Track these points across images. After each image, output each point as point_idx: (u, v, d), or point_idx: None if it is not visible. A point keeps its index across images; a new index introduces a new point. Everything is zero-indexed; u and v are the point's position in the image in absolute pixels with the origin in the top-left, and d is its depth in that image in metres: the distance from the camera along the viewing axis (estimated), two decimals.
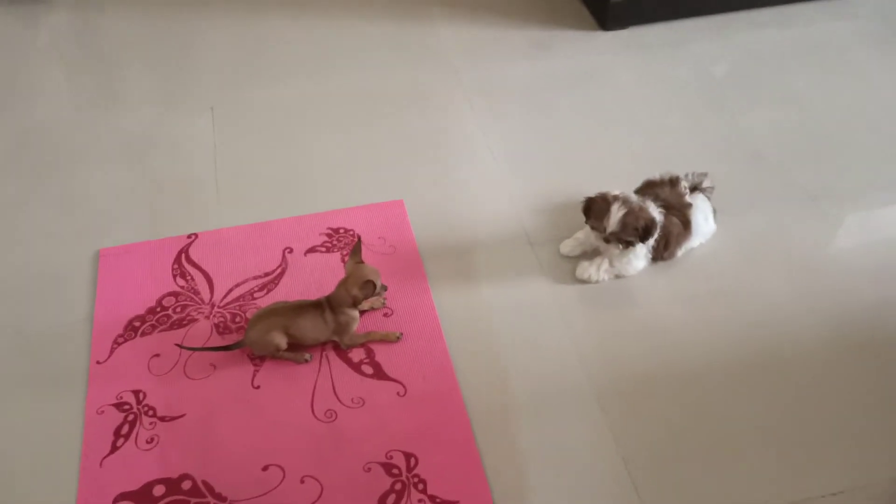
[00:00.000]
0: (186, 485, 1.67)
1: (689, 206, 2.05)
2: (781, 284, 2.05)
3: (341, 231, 2.20)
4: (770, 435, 1.74)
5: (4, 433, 1.77)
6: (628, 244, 1.97)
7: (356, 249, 1.89)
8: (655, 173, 2.14)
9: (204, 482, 1.67)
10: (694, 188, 2.11)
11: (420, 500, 1.63)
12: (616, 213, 1.92)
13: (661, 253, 2.06)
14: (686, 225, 2.05)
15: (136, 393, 1.83)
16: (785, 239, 2.16)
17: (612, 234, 1.95)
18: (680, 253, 2.09)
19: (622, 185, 2.08)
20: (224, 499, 1.65)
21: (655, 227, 1.95)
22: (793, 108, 2.60)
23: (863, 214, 2.24)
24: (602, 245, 2.01)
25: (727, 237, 2.15)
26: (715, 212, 2.13)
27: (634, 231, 1.93)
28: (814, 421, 1.77)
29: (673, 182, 2.09)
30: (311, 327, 1.86)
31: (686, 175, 2.12)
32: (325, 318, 1.86)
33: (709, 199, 2.12)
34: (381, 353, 1.90)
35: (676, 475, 1.68)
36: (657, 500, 1.64)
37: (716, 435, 1.74)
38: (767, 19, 2.97)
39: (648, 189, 2.10)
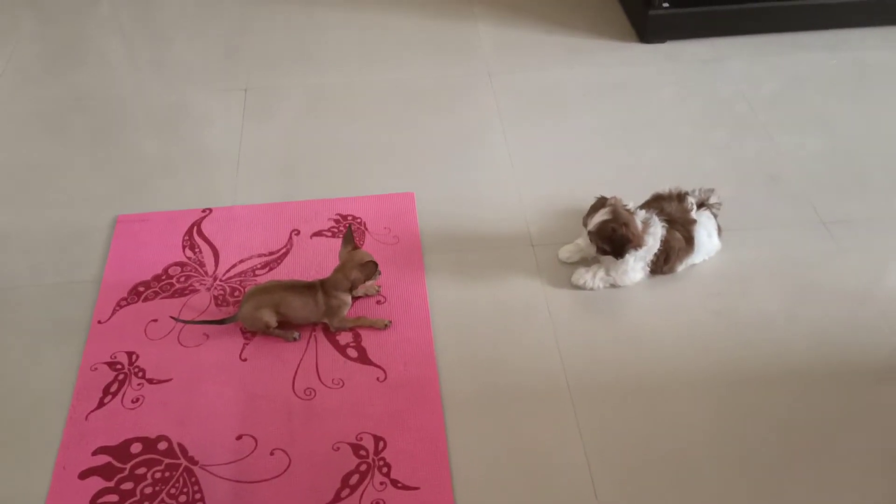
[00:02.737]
0: (162, 445, 1.73)
1: (694, 221, 2.03)
2: (778, 307, 2.01)
3: (349, 218, 2.24)
4: (742, 456, 1.71)
5: (4, 375, 1.87)
6: (604, 251, 1.96)
7: (348, 237, 1.93)
8: (667, 187, 2.12)
9: (179, 444, 1.73)
10: (701, 204, 2.08)
11: (382, 483, 1.66)
12: (599, 216, 1.92)
13: (661, 266, 2.04)
14: (689, 240, 2.02)
15: (129, 354, 1.90)
16: (789, 262, 2.12)
17: (589, 233, 1.96)
18: (680, 268, 2.07)
19: (634, 196, 2.08)
20: (196, 462, 1.70)
21: (629, 246, 1.93)
22: (823, 134, 2.53)
23: (874, 244, 2.17)
24: (593, 251, 2.01)
25: (731, 256, 2.11)
26: (720, 229, 2.09)
27: (607, 239, 1.92)
28: (790, 447, 1.73)
29: (680, 197, 2.07)
30: (301, 307, 1.90)
31: (693, 191, 2.09)
32: (316, 299, 1.90)
33: (715, 216, 2.08)
34: (368, 339, 1.93)
35: (639, 487, 1.66)
36: None
37: (686, 452, 1.72)
38: (811, 42, 2.89)
39: (655, 202, 2.09)
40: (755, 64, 2.82)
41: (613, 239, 1.92)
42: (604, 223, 1.92)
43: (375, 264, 1.89)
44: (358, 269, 1.88)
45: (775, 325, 1.97)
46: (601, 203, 1.97)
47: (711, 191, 2.10)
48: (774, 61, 2.82)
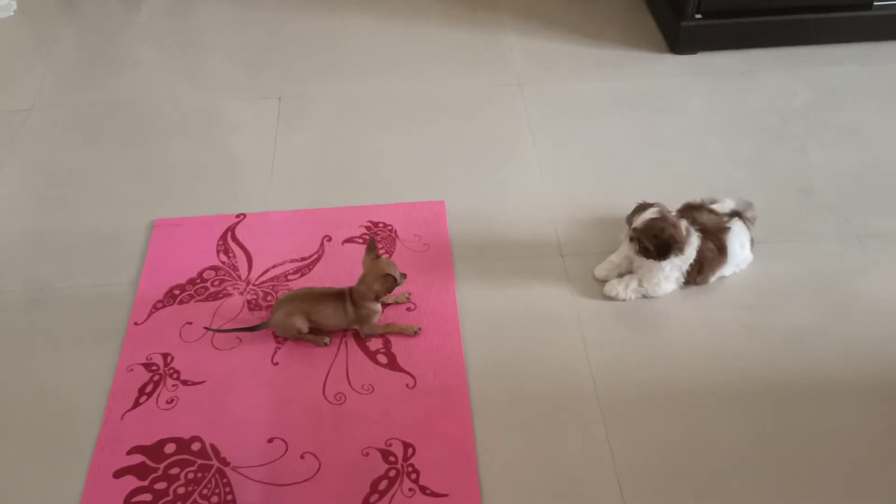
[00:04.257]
0: (196, 446, 1.76)
1: (727, 230, 2.02)
2: (810, 321, 1.99)
3: (380, 225, 2.27)
4: (769, 472, 1.70)
5: (43, 375, 1.92)
6: (645, 251, 1.94)
7: (371, 247, 1.95)
8: (697, 197, 2.12)
9: (212, 445, 1.76)
10: (734, 214, 2.07)
11: (411, 490, 1.67)
12: (647, 214, 1.93)
13: (695, 277, 2.04)
14: (721, 250, 2.02)
15: (164, 356, 1.94)
16: (821, 276, 2.10)
17: (634, 230, 1.95)
18: (713, 279, 2.06)
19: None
20: (227, 463, 1.73)
21: (675, 248, 1.92)
22: (857, 147, 2.51)
23: None
24: (631, 252, 2.00)
25: (762, 269, 2.10)
26: (753, 241, 2.09)
27: (654, 238, 1.91)
28: (817, 463, 1.72)
29: (712, 206, 2.07)
30: (331, 315, 1.93)
31: (732, 200, 2.09)
32: (346, 308, 1.93)
33: (748, 227, 2.08)
34: (398, 345, 1.95)
35: (668, 496, 1.66)
36: None
37: (714, 465, 1.71)
38: (844, 55, 2.87)
39: (687, 212, 2.08)
40: (787, 76, 2.80)
41: (661, 238, 1.91)
42: (652, 220, 1.92)
43: (394, 278, 1.90)
44: (379, 282, 1.90)
45: (807, 339, 1.96)
46: (649, 204, 1.97)
47: (750, 204, 2.10)
48: (806, 73, 2.81)
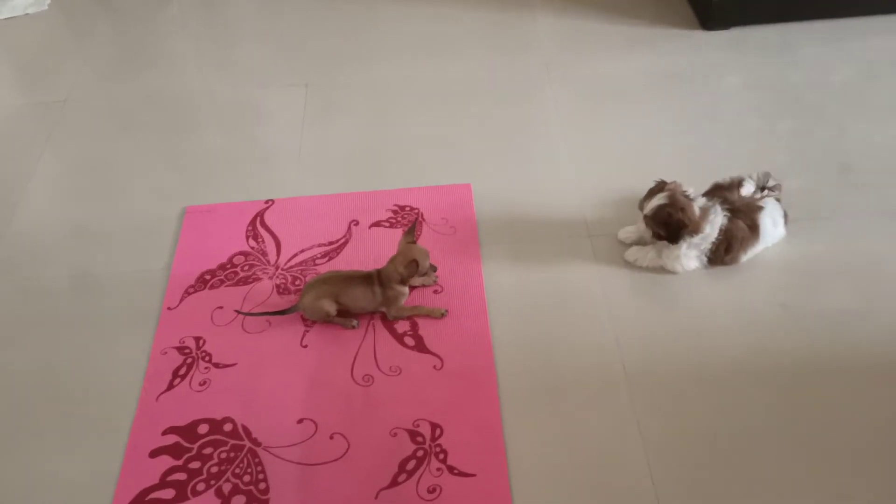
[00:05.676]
0: (228, 427, 1.80)
1: (760, 208, 1.99)
2: (849, 302, 1.95)
3: (407, 209, 2.27)
4: (800, 449, 1.67)
5: (82, 358, 1.97)
6: (659, 236, 1.94)
7: (411, 229, 1.96)
8: (727, 176, 2.08)
9: (243, 426, 1.79)
10: (762, 188, 2.03)
11: (438, 469, 1.68)
12: (655, 200, 1.91)
13: (722, 257, 2.01)
14: (753, 229, 1.98)
15: (197, 339, 1.97)
16: (862, 254, 2.05)
17: (645, 217, 1.95)
18: (744, 258, 2.02)
19: (696, 187, 2.05)
20: (259, 444, 1.76)
21: (684, 231, 1.91)
22: None
23: None
24: (646, 235, 2.00)
25: (800, 248, 2.06)
26: (787, 216, 2.04)
27: (663, 224, 1.90)
28: (853, 445, 1.68)
29: (741, 185, 2.04)
30: (360, 297, 1.94)
31: (751, 175, 2.05)
32: (373, 290, 1.94)
33: (779, 200, 2.03)
34: (425, 327, 1.96)
35: (697, 476, 1.65)
36: (674, 499, 1.61)
37: (744, 443, 1.69)
38: (882, 27, 2.78)
39: (717, 192, 2.06)
40: (825, 50, 2.72)
41: (669, 224, 1.90)
42: (660, 207, 1.91)
43: (417, 264, 1.91)
44: (404, 266, 1.90)
45: (845, 319, 1.91)
46: (660, 187, 1.96)
47: (768, 174, 2.05)
48: (845, 47, 2.73)
